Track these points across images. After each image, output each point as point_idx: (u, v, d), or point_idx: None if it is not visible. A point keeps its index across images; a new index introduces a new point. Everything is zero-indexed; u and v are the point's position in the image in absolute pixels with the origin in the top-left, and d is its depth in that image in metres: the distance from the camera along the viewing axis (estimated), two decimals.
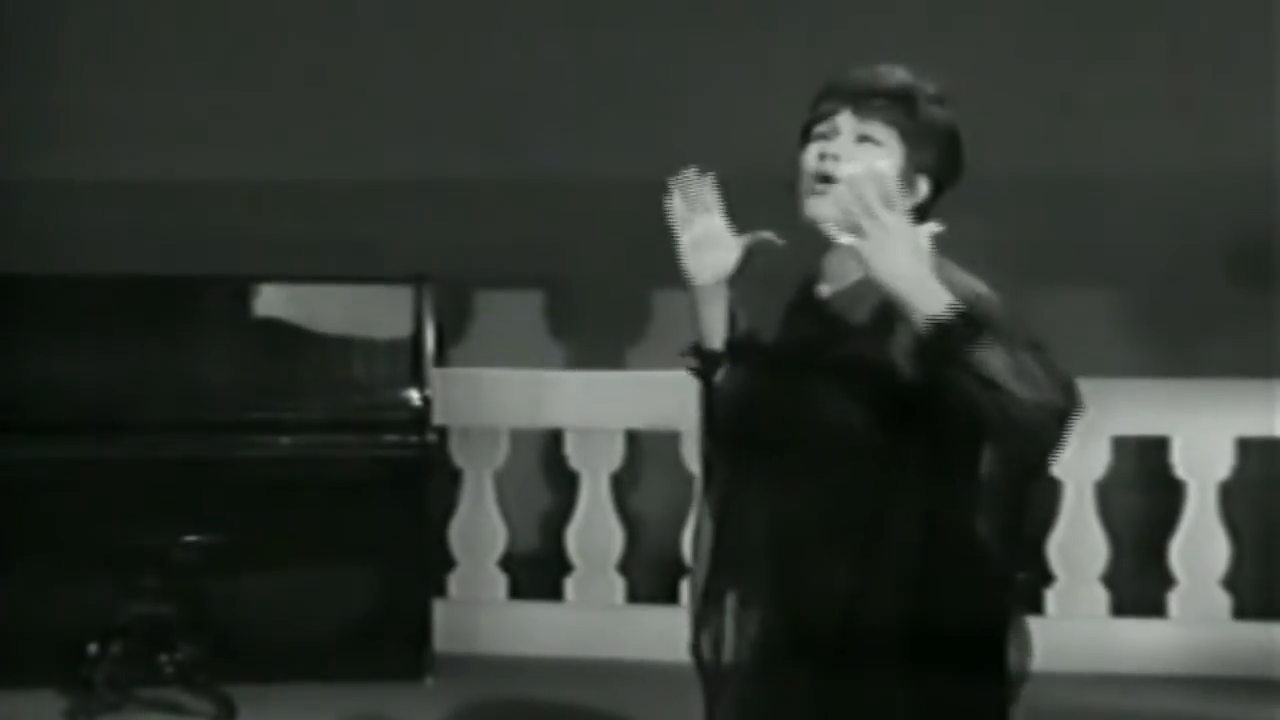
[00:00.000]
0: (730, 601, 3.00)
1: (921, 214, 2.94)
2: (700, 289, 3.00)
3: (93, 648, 6.00)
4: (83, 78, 7.33)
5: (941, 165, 2.96)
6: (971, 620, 2.86)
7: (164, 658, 5.96)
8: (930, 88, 2.97)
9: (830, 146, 2.92)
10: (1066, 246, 6.90)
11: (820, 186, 2.90)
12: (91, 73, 7.33)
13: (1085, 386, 2.80)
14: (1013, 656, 2.92)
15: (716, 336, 3.05)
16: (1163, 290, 6.99)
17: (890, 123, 2.92)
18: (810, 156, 2.93)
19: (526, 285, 7.47)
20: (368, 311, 6.66)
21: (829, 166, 2.90)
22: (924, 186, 2.95)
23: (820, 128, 2.95)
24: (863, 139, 2.92)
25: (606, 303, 7.27)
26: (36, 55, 7.38)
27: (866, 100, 2.93)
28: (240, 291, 6.60)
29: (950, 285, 2.77)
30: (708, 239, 2.97)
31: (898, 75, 2.97)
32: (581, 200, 7.14)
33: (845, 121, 2.93)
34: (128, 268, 6.68)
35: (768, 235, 2.98)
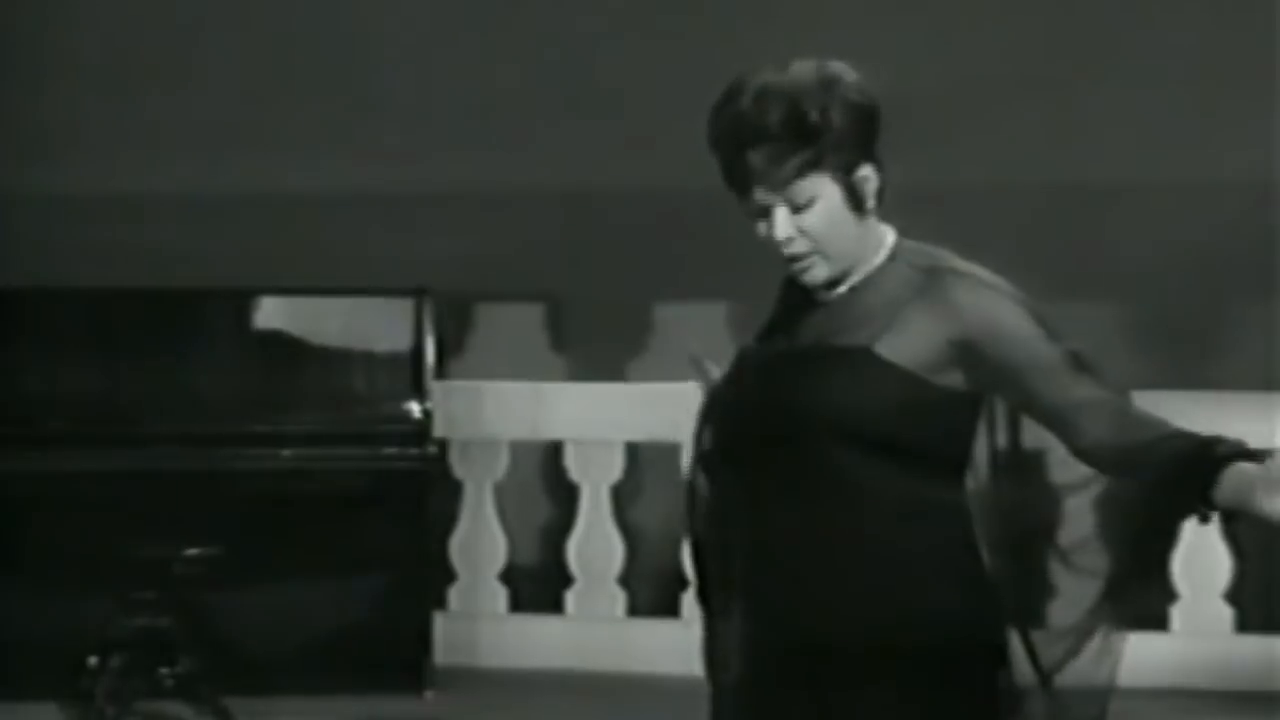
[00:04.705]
0: (729, 612, 2.99)
1: (880, 193, 2.80)
2: None
3: (93, 660, 5.99)
4: (84, 91, 7.34)
5: (873, 144, 2.78)
6: (964, 631, 2.85)
7: (164, 670, 5.96)
8: (831, 82, 2.72)
9: (776, 230, 2.74)
10: (1065, 258, 6.89)
11: (796, 266, 2.78)
12: (92, 86, 7.33)
13: None
14: (1095, 671, 2.93)
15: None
16: (1161, 302, 6.98)
17: (810, 166, 2.71)
18: (760, 229, 2.77)
19: (527, 298, 7.47)
20: (368, 324, 6.67)
21: (789, 250, 2.75)
22: (871, 174, 2.78)
23: (748, 207, 2.76)
24: (798, 209, 2.73)
25: (606, 315, 7.25)
26: (38, 68, 7.39)
27: (780, 170, 2.68)
28: (241, 304, 6.61)
29: (969, 292, 2.81)
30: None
31: (791, 103, 2.69)
32: (582, 214, 7.14)
33: (769, 200, 2.72)
34: (128, 281, 6.69)
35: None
